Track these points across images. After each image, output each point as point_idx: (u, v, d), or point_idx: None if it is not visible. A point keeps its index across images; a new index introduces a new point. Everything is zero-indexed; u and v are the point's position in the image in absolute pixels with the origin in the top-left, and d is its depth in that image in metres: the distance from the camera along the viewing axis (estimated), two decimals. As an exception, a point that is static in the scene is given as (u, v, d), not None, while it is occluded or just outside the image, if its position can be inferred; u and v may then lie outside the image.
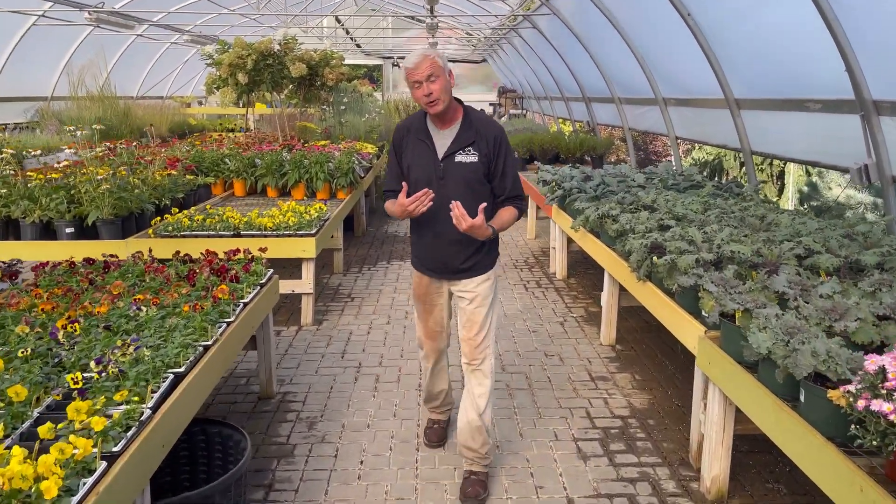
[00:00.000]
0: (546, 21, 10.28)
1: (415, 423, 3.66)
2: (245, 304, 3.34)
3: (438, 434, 3.46)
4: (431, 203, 2.77)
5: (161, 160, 6.63)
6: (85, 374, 2.38)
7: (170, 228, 4.96)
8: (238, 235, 4.99)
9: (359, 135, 10.90)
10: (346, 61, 22.04)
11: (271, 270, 3.89)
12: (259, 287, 3.60)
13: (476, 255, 2.98)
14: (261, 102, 18.20)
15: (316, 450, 3.41)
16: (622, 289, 4.59)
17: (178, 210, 5.54)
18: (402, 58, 22.15)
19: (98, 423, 1.97)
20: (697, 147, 13.57)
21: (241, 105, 9.16)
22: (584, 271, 6.73)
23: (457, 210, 2.70)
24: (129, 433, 2.05)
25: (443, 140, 2.93)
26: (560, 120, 14.83)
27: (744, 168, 11.41)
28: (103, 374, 2.34)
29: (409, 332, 5.04)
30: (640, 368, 4.41)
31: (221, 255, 3.95)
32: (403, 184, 2.90)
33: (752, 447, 3.40)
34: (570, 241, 6.32)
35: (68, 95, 11.71)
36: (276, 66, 8.38)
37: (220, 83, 8.63)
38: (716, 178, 8.89)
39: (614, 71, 8.84)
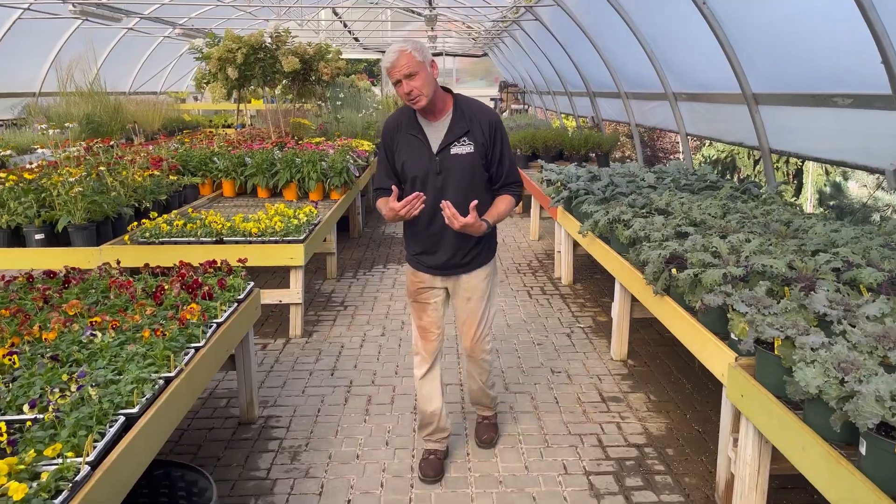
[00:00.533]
0: (549, 12, 9.91)
1: (409, 454, 3.32)
2: (219, 325, 3.00)
3: (435, 467, 3.13)
4: (423, 206, 2.72)
5: (144, 160, 6.28)
6: (22, 418, 2.04)
7: (147, 235, 4.60)
8: (220, 242, 4.65)
9: (356, 131, 10.55)
10: (345, 55, 21.66)
11: (252, 284, 3.54)
12: (236, 304, 3.25)
13: (475, 250, 2.94)
14: (256, 98, 17.81)
15: (298, 486, 3.07)
16: (634, 299, 4.25)
17: (158, 214, 5.20)
18: (402, 52, 21.82)
19: (18, 491, 1.62)
20: (708, 144, 13.16)
21: (233, 101, 8.81)
22: (591, 276, 6.37)
23: (447, 210, 2.66)
24: (59, 500, 1.70)
25: (436, 133, 2.82)
26: (563, 115, 14.46)
27: (758, 166, 11.00)
28: (38, 420, 1.99)
29: (405, 346, 4.70)
30: (655, 387, 4.06)
31: (199, 266, 3.60)
32: (394, 187, 2.77)
33: (784, 482, 3.05)
34: (576, 244, 5.97)
35: (57, 91, 11.36)
36: (268, 61, 8.02)
37: (210, 78, 8.28)
38: (727, 177, 8.49)
39: (621, 64, 8.47)
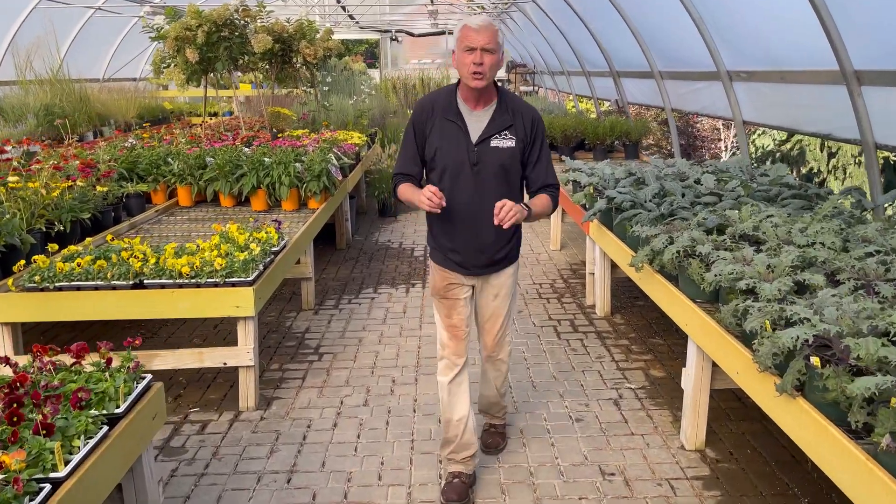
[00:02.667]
0: (567, -20, 8.56)
1: None
2: (73, 469, 1.76)
3: (459, 491, 2.81)
4: (445, 203, 2.55)
5: (71, 166, 5.02)
6: None
7: (37, 278, 3.35)
8: (140, 286, 3.40)
9: (346, 121, 9.24)
10: (340, 36, 20.30)
11: (146, 380, 2.29)
12: (105, 429, 2.00)
13: (507, 247, 2.82)
14: (227, 84, 16.54)
15: None
16: (716, 366, 2.98)
17: (80, 237, 3.95)
18: (401, 31, 20.40)
19: None
20: (760, 132, 11.68)
21: (203, 87, 7.53)
22: (633, 304, 5.10)
23: (499, 213, 2.46)
24: None
25: (477, 122, 2.68)
26: (579, 98, 13.10)
27: (833, 161, 9.40)
28: None
29: (396, 423, 3.45)
30: (754, 501, 2.81)
31: (72, 354, 2.34)
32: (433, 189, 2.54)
33: None
34: (614, 265, 4.70)
35: (15, 80, 10.10)
36: (236, 40, 6.71)
37: (170, 61, 7.00)
38: (794, 174, 7.02)
39: (655, 37, 7.13)
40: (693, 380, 3.07)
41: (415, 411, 3.56)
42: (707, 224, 3.51)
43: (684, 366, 3.17)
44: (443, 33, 18.87)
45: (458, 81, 2.71)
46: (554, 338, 4.50)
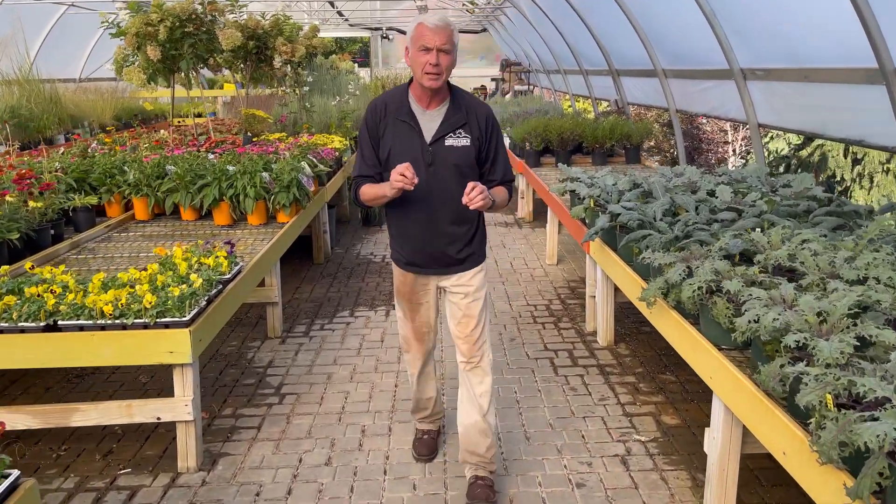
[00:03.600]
0: (563, -28, 8.01)
1: None
2: None
3: (429, 445, 3.13)
4: (413, 188, 2.47)
5: (6, 178, 4.47)
6: None
7: (-71, 319, 2.78)
8: (53, 328, 2.83)
9: (330, 122, 8.68)
10: (330, 34, 19.71)
11: (10, 478, 1.73)
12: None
13: (469, 247, 2.76)
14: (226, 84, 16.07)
15: None
16: (747, 431, 2.44)
17: (9, 261, 3.39)
18: (392, 29, 19.82)
19: None
20: (771, 135, 11.06)
21: (167, 87, 6.96)
22: (638, 330, 4.55)
23: (470, 193, 2.42)
24: None
25: (430, 122, 2.63)
26: (576, 98, 12.55)
27: (858, 168, 8.75)
28: None
29: (362, 489, 2.90)
30: None
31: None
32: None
33: None
34: (617, 289, 4.15)
35: (-20, 80, 9.49)
36: (203, 36, 6.14)
37: (134, 60, 6.44)
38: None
39: (659, 32, 6.59)
40: (720, 445, 2.52)
41: (385, 473, 3.01)
42: (730, 249, 2.96)
43: (707, 425, 2.62)
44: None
45: (410, 80, 2.67)
46: (550, 373, 3.95)
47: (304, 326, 4.75)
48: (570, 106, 15.56)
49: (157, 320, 2.83)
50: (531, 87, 15.83)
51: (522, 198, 8.03)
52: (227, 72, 8.94)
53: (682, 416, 3.45)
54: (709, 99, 6.05)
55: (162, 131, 7.26)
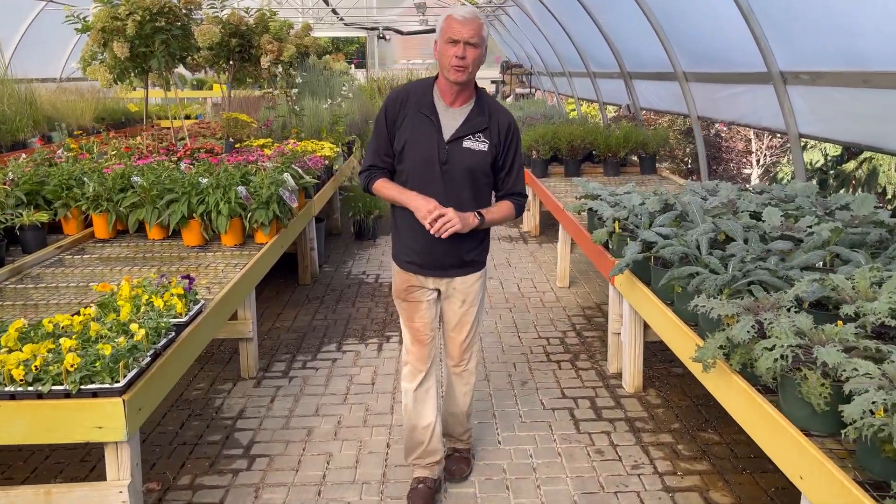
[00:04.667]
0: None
1: None
2: None
3: (424, 497, 2.75)
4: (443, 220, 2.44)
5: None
6: None
7: None
8: (-51, 397, 2.22)
9: (321, 127, 8.07)
10: (324, 33, 19.10)
11: None
12: None
13: (474, 251, 2.69)
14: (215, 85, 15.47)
15: None
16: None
17: None
18: (388, 29, 19.23)
19: None
20: (811, 145, 10.32)
21: (135, 89, 6.35)
22: (669, 371, 3.95)
23: (439, 224, 2.43)
24: None
25: (451, 119, 2.55)
26: (581, 101, 11.96)
27: None
28: None
29: None
30: None
31: None
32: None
33: None
34: (646, 326, 3.55)
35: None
36: (176, 32, 5.53)
37: (102, 57, 5.83)
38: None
39: (681, 30, 6.00)
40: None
41: (373, 574, 2.40)
42: (806, 297, 2.37)
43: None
44: (433, 31, 17.74)
45: (437, 75, 2.59)
46: (571, 429, 3.34)
47: (284, 364, 4.14)
48: (573, 110, 14.98)
49: (83, 387, 2.21)
50: (533, 90, 15.25)
51: (528, 210, 7.43)
52: (212, 72, 8.31)
53: (735, 492, 2.84)
54: (738, 105, 5.46)
55: (138, 137, 6.62)
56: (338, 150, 7.00)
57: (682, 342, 2.76)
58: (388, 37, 18.81)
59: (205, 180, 4.42)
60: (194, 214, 4.27)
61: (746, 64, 4.92)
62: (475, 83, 2.59)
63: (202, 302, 3.04)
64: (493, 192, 2.71)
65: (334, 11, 15.81)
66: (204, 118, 13.71)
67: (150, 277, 3.06)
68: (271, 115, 8.19)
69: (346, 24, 17.70)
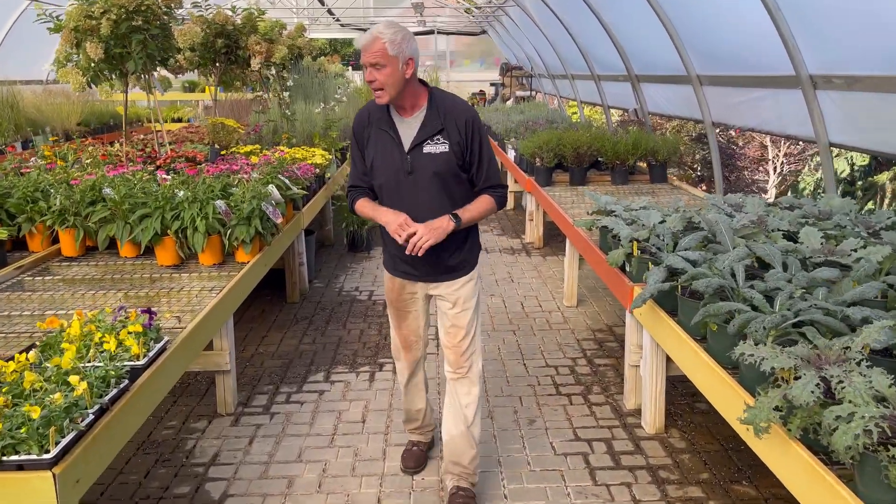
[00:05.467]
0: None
1: None
2: None
3: (417, 458, 3.05)
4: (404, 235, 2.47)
5: None
6: None
7: None
8: None
9: (314, 132, 7.69)
10: (320, 34, 18.70)
11: None
12: None
13: (457, 254, 2.67)
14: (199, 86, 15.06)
15: None
16: None
17: None
18: (386, 30, 18.86)
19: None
20: (835, 153, 9.87)
21: (116, 91, 5.95)
22: (692, 407, 3.57)
23: (411, 244, 2.45)
24: None
25: (408, 129, 2.58)
26: (585, 105, 11.59)
27: None
28: None
29: None
30: None
31: None
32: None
33: None
34: (669, 359, 3.17)
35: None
36: (155, 31, 5.14)
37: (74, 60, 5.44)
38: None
39: (696, 32, 5.63)
40: None
41: None
42: (877, 344, 1.98)
43: None
44: (431, 32, 17.34)
45: None
46: (586, 479, 2.96)
47: (266, 397, 3.75)
48: (574, 113, 14.61)
49: (5, 458, 1.82)
50: (533, 93, 14.88)
51: (531, 220, 7.05)
52: (169, 75, 7.89)
53: (780, 562, 2.46)
54: (759, 111, 5.09)
55: (116, 144, 6.22)
56: (330, 157, 6.62)
57: (720, 391, 2.38)
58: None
59: (181, 193, 4.04)
60: (168, 231, 3.89)
61: (770, 67, 4.55)
62: (427, 87, 2.61)
63: (165, 339, 2.65)
64: (471, 189, 2.69)
65: (330, 12, 15.42)
66: (195, 122, 13.32)
67: (106, 311, 2.67)
68: (261, 119, 7.81)
69: (342, 25, 17.32)
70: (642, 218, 3.58)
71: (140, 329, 2.50)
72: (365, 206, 2.68)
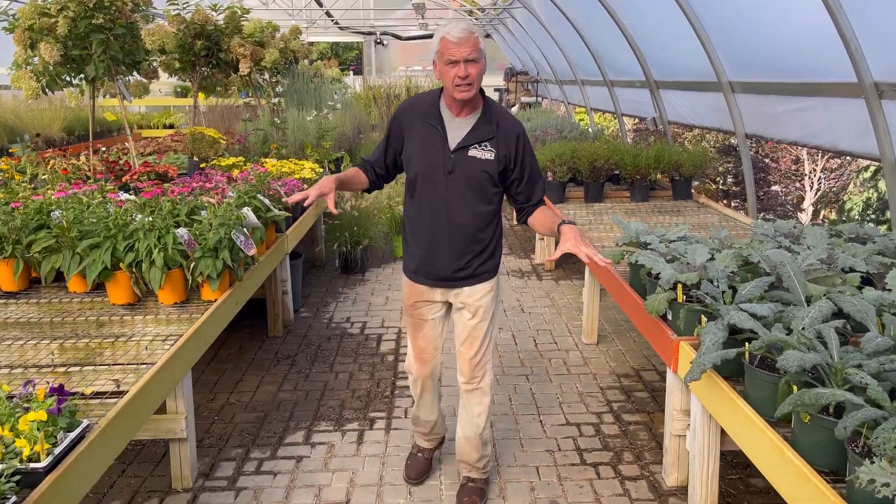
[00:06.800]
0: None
1: None
2: None
3: (420, 467, 2.99)
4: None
5: None
6: None
7: None
8: None
9: (306, 142, 7.10)
10: (318, 38, 18.13)
11: None
12: None
13: (478, 259, 2.64)
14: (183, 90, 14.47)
15: None
16: None
17: None
18: (386, 34, 18.29)
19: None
20: (871, 168, 9.14)
21: (84, 96, 5.35)
22: (747, 486, 2.94)
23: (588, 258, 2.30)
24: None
25: (457, 129, 2.56)
26: (595, 112, 10.99)
27: None
28: None
29: None
30: None
31: None
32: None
33: None
34: (723, 433, 2.55)
35: None
36: (121, 31, 4.54)
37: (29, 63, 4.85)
38: None
39: (728, 34, 5.03)
40: None
41: None
42: None
43: None
44: (432, 36, 16.78)
45: (442, 88, 2.59)
46: (625, 593, 2.34)
47: (233, 465, 3.14)
48: (582, 119, 14.01)
49: None
50: (539, 99, 14.30)
51: (542, 239, 6.44)
52: (142, 79, 7.26)
53: None
54: (805, 122, 4.48)
55: (82, 156, 5.62)
56: (322, 170, 6.02)
57: (776, 463, 1.77)
58: (385, 42, 17.87)
59: (140, 217, 3.44)
60: (121, 265, 3.29)
61: (824, 72, 3.95)
62: (482, 92, 2.59)
63: (84, 424, 2.04)
64: (515, 203, 2.70)
65: (328, 14, 14.84)
66: (185, 128, 12.77)
67: (4, 389, 2.06)
68: (249, 128, 7.22)
69: (340, 28, 16.74)
70: (685, 253, 2.97)
71: (44, 416, 1.89)
72: (350, 171, 2.73)
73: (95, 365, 2.69)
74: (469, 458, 2.84)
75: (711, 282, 2.65)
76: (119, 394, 2.43)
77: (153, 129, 14.16)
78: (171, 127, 14.06)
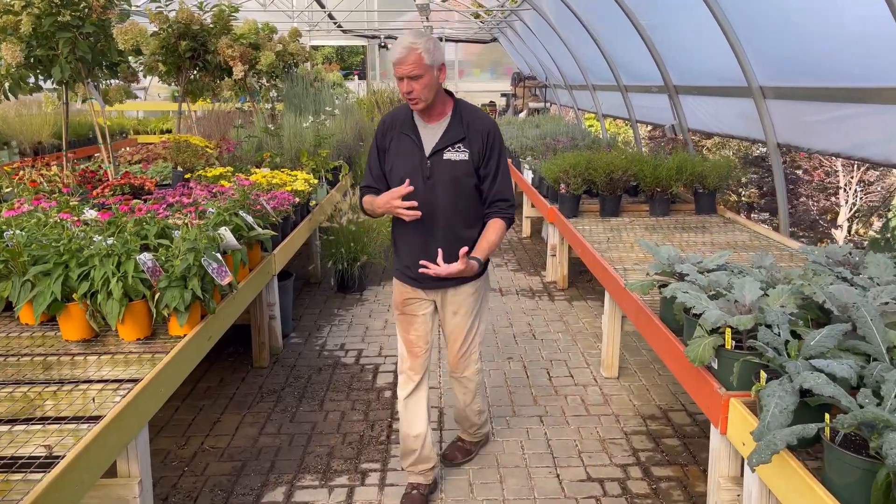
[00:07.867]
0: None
1: None
2: None
3: (417, 503, 2.85)
4: (416, 210, 2.56)
5: None
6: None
7: None
8: None
9: (302, 150, 6.65)
10: (320, 41, 17.73)
11: None
12: None
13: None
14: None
15: None
16: None
17: None
18: (391, 38, 17.88)
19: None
20: None
21: (60, 101, 4.93)
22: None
23: (431, 269, 2.55)
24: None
25: (430, 135, 2.69)
26: (607, 119, 10.53)
27: None
28: None
29: None
30: None
31: None
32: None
33: None
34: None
35: None
36: (90, 30, 4.11)
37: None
38: None
39: (762, 33, 4.57)
40: None
41: None
42: None
43: None
44: (440, 40, 16.39)
45: None
46: None
47: (200, 532, 2.69)
48: (592, 126, 13.55)
49: None
50: (548, 105, 13.84)
51: (553, 254, 5.99)
52: (120, 83, 6.84)
53: None
54: (850, 132, 4.01)
55: (54, 165, 5.18)
56: (316, 181, 5.57)
57: None
58: (390, 46, 17.47)
59: (99, 240, 3.01)
60: (74, 295, 2.86)
61: (876, 77, 3.49)
62: (452, 96, 2.70)
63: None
64: (480, 198, 2.73)
65: (331, 16, 14.42)
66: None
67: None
68: (242, 135, 6.79)
69: (343, 31, 16.33)
70: (730, 287, 2.51)
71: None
72: (369, 200, 2.71)
73: (30, 422, 2.25)
74: (462, 423, 3.14)
75: (770, 327, 2.19)
76: (50, 463, 2.00)
77: (150, 134, 13.77)
78: (169, 132, 13.70)
